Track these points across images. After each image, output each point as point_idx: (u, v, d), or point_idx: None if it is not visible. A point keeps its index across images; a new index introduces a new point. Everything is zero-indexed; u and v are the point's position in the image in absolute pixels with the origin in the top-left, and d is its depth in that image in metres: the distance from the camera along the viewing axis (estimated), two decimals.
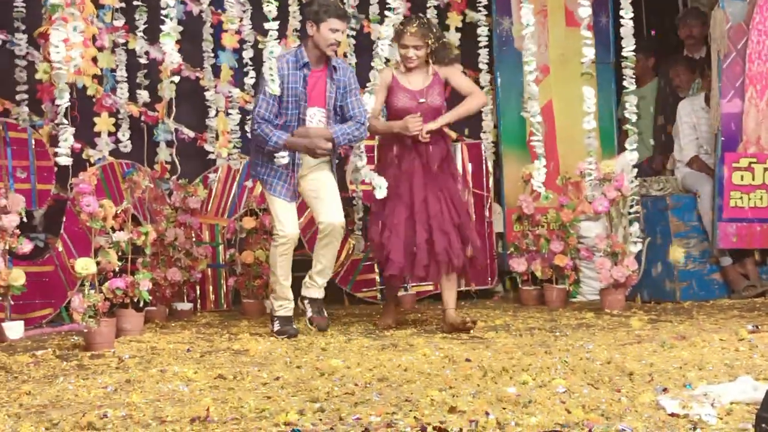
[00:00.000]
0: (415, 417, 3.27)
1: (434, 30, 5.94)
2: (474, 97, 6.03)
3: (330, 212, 5.78)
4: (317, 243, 5.88)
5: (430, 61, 5.93)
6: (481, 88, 7.82)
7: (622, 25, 6.66)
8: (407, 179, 5.85)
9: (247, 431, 3.18)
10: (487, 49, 7.88)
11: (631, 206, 6.65)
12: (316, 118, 5.79)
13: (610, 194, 6.45)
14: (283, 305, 5.85)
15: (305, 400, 3.70)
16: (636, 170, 6.74)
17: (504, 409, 3.35)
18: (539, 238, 7.01)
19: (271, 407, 3.55)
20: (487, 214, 7.72)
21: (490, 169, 7.81)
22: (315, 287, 5.90)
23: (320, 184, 5.84)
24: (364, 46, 7.38)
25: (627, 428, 2.99)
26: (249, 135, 6.36)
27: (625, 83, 6.72)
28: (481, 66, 7.89)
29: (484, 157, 7.78)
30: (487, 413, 3.25)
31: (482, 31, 7.86)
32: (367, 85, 6.15)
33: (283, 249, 5.76)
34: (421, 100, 5.88)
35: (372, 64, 6.24)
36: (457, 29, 7.99)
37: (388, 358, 4.61)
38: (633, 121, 6.67)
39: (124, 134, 7.45)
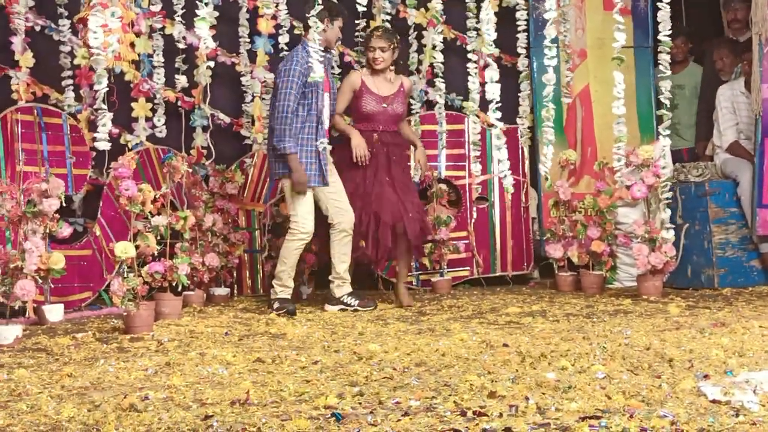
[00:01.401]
0: (454, 401, 3.27)
1: (396, 37, 6.67)
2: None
3: (346, 211, 6.31)
4: (338, 243, 6.29)
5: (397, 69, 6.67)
6: (519, 72, 7.83)
7: (659, 9, 6.59)
8: (367, 173, 6.44)
9: (287, 414, 3.19)
10: (525, 34, 7.82)
11: (663, 192, 6.59)
12: (327, 102, 6.38)
13: (649, 180, 6.39)
14: (284, 290, 6.29)
15: (344, 384, 3.71)
16: (669, 154, 6.67)
17: (543, 394, 3.34)
18: (576, 224, 6.96)
19: (311, 391, 3.56)
20: (523, 199, 7.70)
21: (526, 154, 7.77)
22: (347, 282, 6.31)
23: (337, 187, 6.35)
24: (401, 33, 7.32)
25: (668, 414, 2.97)
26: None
27: (660, 68, 6.64)
28: (519, 50, 7.83)
29: (520, 143, 7.76)
30: (527, 398, 3.24)
31: (520, 15, 7.78)
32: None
33: (300, 244, 6.29)
34: (384, 105, 6.54)
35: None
36: (495, 13, 7.92)
37: (426, 342, 4.61)
38: (668, 106, 6.60)
39: (159, 119, 7.47)
